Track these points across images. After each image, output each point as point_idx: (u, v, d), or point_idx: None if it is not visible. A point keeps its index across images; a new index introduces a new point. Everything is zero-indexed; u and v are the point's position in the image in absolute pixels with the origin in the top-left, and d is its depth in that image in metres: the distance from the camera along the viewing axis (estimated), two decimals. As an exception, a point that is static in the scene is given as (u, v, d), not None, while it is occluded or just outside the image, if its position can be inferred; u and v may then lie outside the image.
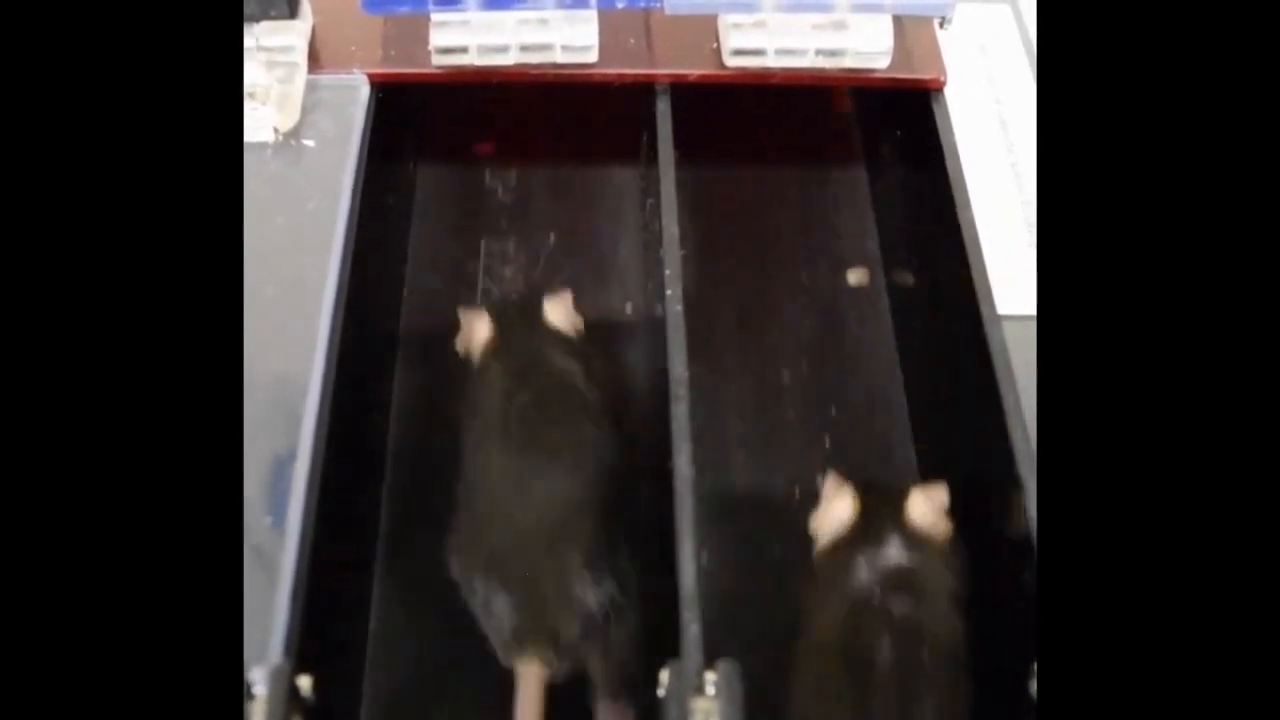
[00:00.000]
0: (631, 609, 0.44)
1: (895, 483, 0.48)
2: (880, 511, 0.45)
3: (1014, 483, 0.42)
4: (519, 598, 0.43)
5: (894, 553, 0.44)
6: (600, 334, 0.56)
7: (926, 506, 0.45)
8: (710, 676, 0.36)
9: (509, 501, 0.45)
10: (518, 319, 0.51)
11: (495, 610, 0.43)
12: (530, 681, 0.42)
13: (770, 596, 0.47)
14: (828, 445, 0.54)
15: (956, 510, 0.47)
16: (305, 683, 0.37)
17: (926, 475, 0.54)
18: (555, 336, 0.51)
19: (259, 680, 0.36)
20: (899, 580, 0.43)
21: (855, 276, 0.48)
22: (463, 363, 0.52)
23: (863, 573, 0.44)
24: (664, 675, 0.37)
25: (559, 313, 0.52)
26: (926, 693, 0.41)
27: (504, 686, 0.46)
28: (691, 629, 0.38)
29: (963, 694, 0.42)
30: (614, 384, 0.52)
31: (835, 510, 0.46)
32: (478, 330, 0.51)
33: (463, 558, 0.45)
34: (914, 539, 0.44)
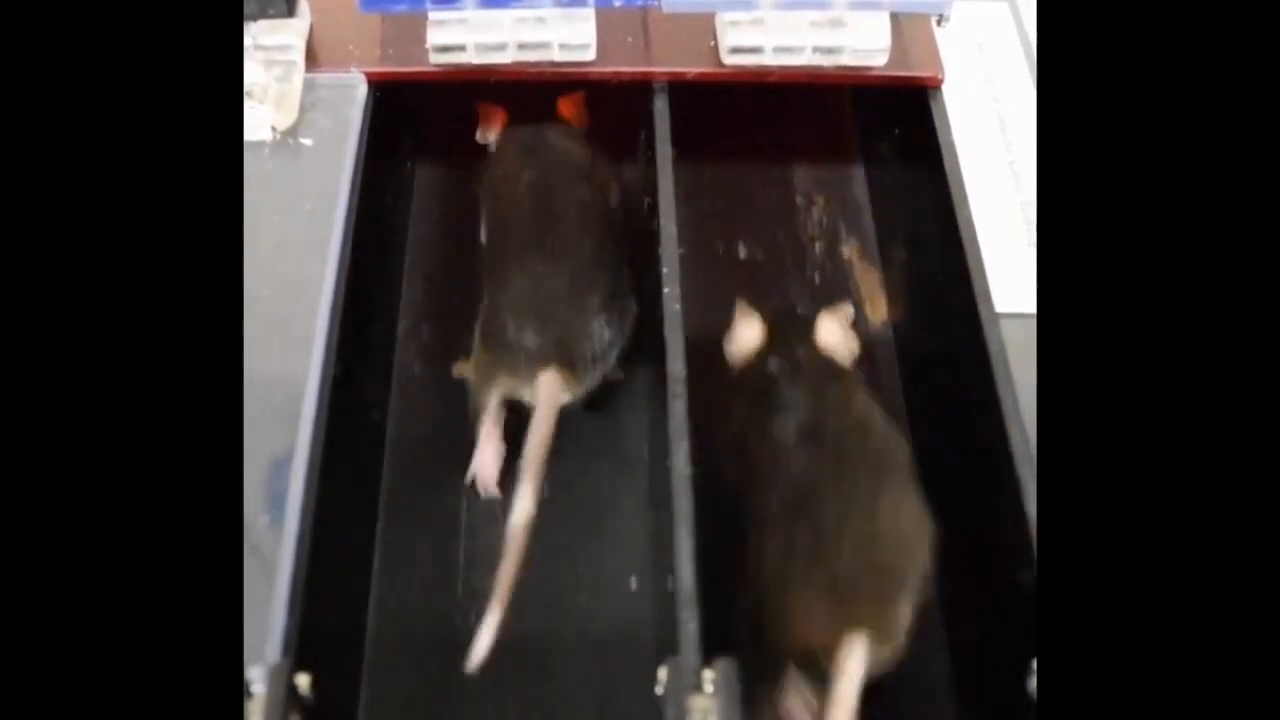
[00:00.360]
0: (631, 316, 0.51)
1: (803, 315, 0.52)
2: (789, 332, 0.50)
3: (1012, 481, 0.42)
4: (545, 325, 0.49)
5: (802, 354, 0.49)
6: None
7: (833, 324, 0.50)
8: (708, 674, 0.36)
9: (531, 258, 0.50)
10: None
11: (524, 339, 0.48)
12: (549, 397, 0.47)
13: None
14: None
15: (946, 510, 0.47)
16: (304, 681, 0.37)
17: (927, 472, 0.54)
18: (561, 127, 0.57)
19: (257, 679, 0.36)
20: (809, 366, 0.48)
21: (848, 251, 0.50)
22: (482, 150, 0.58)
23: (774, 368, 0.49)
24: (662, 673, 0.38)
25: (569, 108, 0.57)
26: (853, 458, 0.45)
27: (502, 685, 0.46)
28: (689, 627, 0.38)
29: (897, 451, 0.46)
30: (610, 163, 0.57)
31: (745, 334, 0.51)
32: (495, 118, 0.58)
33: (491, 309, 0.51)
34: (821, 356, 0.49)
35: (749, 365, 0.50)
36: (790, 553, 0.42)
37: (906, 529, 0.43)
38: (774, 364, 0.49)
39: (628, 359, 0.53)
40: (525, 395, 0.49)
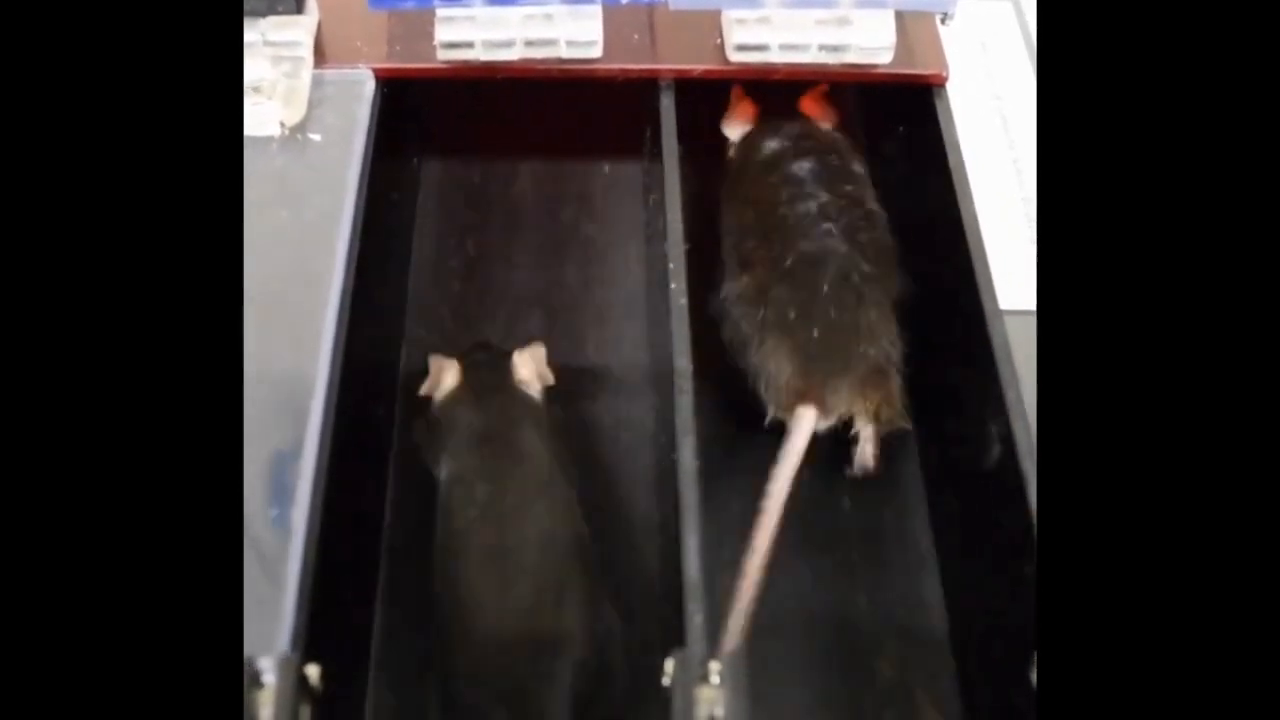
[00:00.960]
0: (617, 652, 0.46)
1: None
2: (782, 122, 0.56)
3: (1017, 478, 0.42)
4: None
5: (795, 127, 0.56)
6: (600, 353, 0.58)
7: (813, 100, 0.58)
8: (715, 666, 0.37)
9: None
10: (486, 372, 0.52)
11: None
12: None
13: (775, 585, 0.47)
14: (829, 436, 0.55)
15: (953, 508, 0.47)
16: (313, 672, 0.37)
17: (928, 469, 0.54)
18: (522, 400, 0.51)
19: (268, 670, 0.36)
20: (803, 139, 0.55)
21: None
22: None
23: (766, 141, 0.56)
24: (669, 665, 0.38)
25: (528, 368, 0.52)
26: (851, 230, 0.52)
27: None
28: (696, 619, 0.38)
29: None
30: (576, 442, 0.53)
31: (738, 113, 0.58)
32: (446, 378, 0.52)
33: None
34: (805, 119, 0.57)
35: (741, 139, 0.57)
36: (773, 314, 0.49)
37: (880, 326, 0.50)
38: (767, 137, 0.56)
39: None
40: None
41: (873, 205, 0.54)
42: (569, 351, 0.57)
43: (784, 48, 0.53)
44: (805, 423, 0.48)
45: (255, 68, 0.52)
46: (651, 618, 0.48)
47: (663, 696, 0.38)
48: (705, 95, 0.55)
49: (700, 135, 0.55)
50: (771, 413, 0.50)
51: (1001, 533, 0.45)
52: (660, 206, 0.51)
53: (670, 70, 0.54)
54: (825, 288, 0.50)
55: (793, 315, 0.49)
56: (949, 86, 0.55)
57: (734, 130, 0.58)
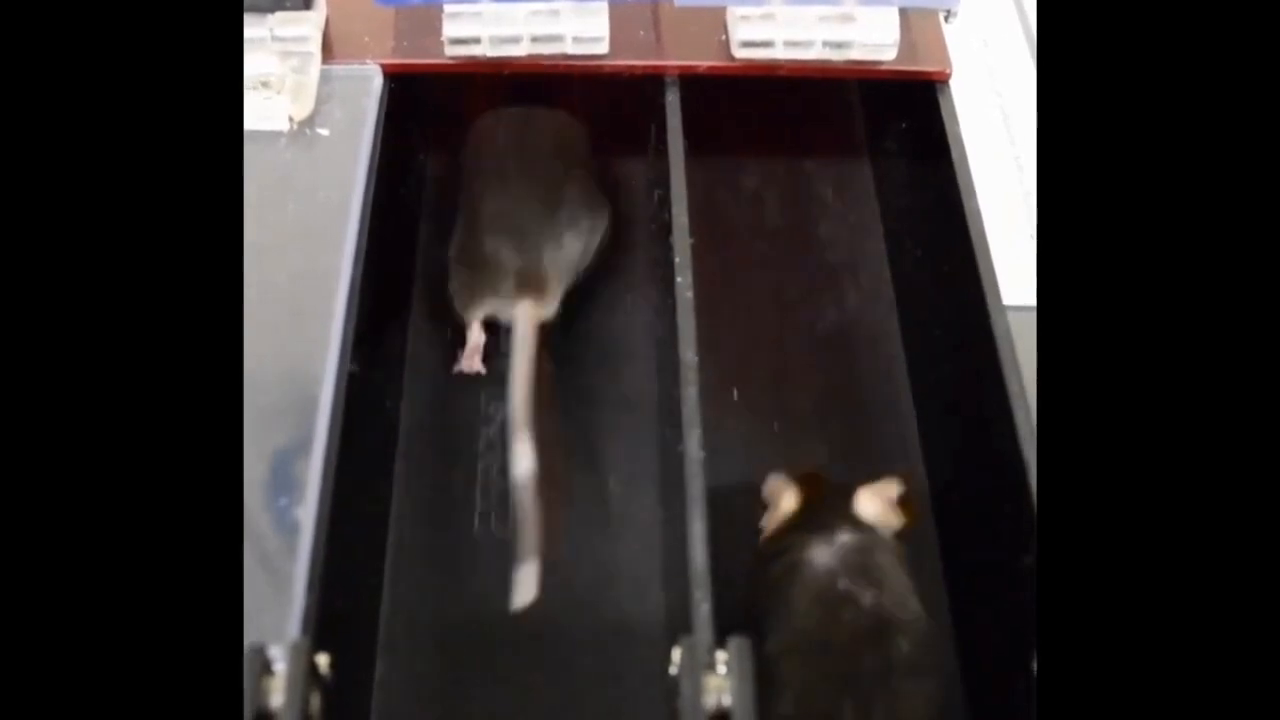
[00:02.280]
0: (607, 229, 0.56)
1: (843, 481, 0.49)
2: (827, 503, 0.48)
3: (1020, 474, 0.43)
4: (520, 248, 0.52)
5: (843, 537, 0.46)
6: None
7: (875, 501, 0.48)
8: (721, 655, 0.37)
9: (507, 176, 0.55)
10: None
11: (502, 260, 0.52)
12: (526, 320, 0.51)
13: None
14: (839, 426, 0.55)
15: (954, 503, 0.47)
16: (323, 660, 0.38)
17: (931, 466, 0.55)
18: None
19: (279, 657, 0.36)
20: (854, 560, 0.45)
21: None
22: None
23: (817, 554, 0.46)
24: (675, 653, 0.38)
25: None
26: (902, 675, 0.43)
27: (514, 665, 0.46)
28: (702, 608, 0.38)
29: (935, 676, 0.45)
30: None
31: (782, 508, 0.49)
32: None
33: (468, 227, 0.54)
34: (860, 527, 0.47)
35: (780, 532, 0.48)
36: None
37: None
38: (812, 546, 0.46)
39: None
40: (504, 315, 0.53)
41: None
42: (574, 346, 0.57)
43: (788, 44, 0.54)
44: None
45: (263, 63, 0.52)
46: (657, 608, 0.49)
47: (670, 685, 0.38)
48: (710, 91, 0.55)
49: (706, 131, 0.56)
50: None
51: (1003, 532, 0.45)
52: (666, 201, 0.51)
53: (676, 66, 0.55)
54: None
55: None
56: (951, 83, 0.55)
57: (773, 522, 0.50)
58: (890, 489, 0.48)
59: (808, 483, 0.49)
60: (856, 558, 0.45)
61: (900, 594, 0.45)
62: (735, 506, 0.49)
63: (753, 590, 0.47)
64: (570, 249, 0.54)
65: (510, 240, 0.53)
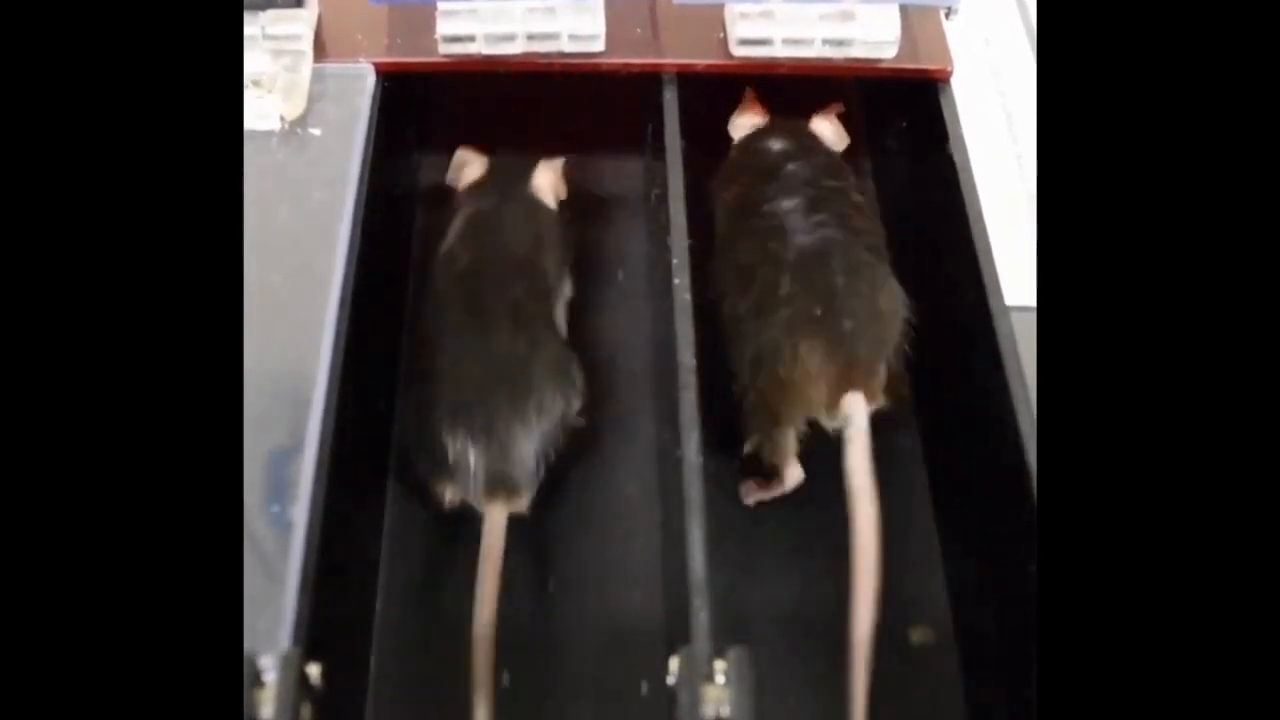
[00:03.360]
0: (580, 412, 0.50)
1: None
2: (785, 121, 0.57)
3: (1023, 475, 0.42)
4: (485, 448, 0.47)
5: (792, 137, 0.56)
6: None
7: (826, 121, 0.57)
8: (720, 665, 0.36)
9: (467, 357, 0.49)
10: (506, 170, 0.57)
11: (465, 462, 0.47)
12: (495, 520, 0.46)
13: (779, 583, 0.47)
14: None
15: (955, 503, 0.47)
16: (314, 670, 0.37)
17: (933, 464, 0.54)
18: (533, 202, 0.56)
19: (269, 667, 0.36)
20: (800, 144, 0.55)
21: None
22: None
23: (770, 144, 0.55)
24: (673, 663, 0.37)
25: (547, 177, 0.57)
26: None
27: (512, 674, 0.46)
28: (700, 616, 0.38)
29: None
30: (575, 254, 0.57)
31: (746, 117, 0.57)
32: (470, 168, 0.57)
33: (428, 418, 0.48)
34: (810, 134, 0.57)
35: (750, 140, 0.57)
36: (798, 316, 0.48)
37: (895, 307, 0.50)
38: (779, 143, 0.55)
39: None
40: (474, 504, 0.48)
41: (858, 197, 0.54)
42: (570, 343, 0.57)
43: (787, 42, 0.53)
44: (861, 411, 0.47)
45: (255, 62, 0.51)
46: (653, 616, 0.48)
47: (668, 695, 0.38)
48: (708, 90, 0.55)
49: (703, 130, 0.55)
50: (816, 413, 0.48)
51: (1006, 531, 0.44)
52: (663, 201, 0.50)
53: (673, 64, 0.54)
54: (840, 280, 0.49)
55: (818, 312, 0.48)
56: (953, 81, 0.55)
57: (739, 129, 0.58)
58: (834, 108, 0.58)
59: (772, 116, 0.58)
60: (800, 146, 0.55)
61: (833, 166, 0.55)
62: (734, 512, 0.48)
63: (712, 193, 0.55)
64: (543, 436, 0.48)
65: (476, 439, 0.47)
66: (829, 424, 0.48)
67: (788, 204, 0.52)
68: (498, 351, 0.49)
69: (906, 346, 0.50)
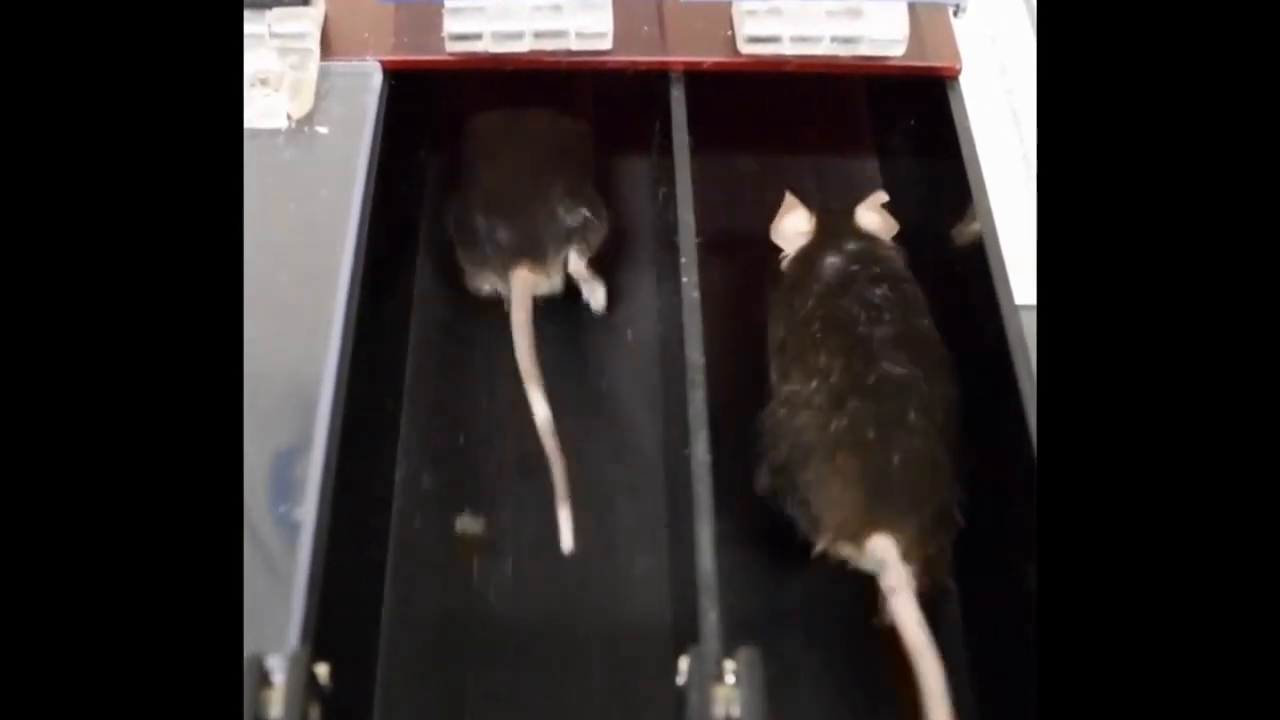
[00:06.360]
0: (601, 223, 0.55)
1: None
2: (833, 221, 0.54)
3: (1030, 475, 0.42)
4: (514, 223, 0.53)
5: (851, 242, 0.53)
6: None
7: (872, 212, 0.54)
8: (730, 664, 0.36)
9: (502, 156, 0.56)
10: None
11: (496, 237, 0.53)
12: (521, 288, 0.52)
13: (790, 585, 0.47)
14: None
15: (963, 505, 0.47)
16: (323, 670, 0.37)
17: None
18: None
19: (277, 668, 0.36)
20: (863, 256, 0.52)
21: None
22: None
23: (829, 258, 0.52)
24: (683, 663, 0.37)
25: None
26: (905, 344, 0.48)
27: (518, 676, 0.46)
28: (710, 615, 0.38)
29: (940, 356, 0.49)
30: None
31: (790, 220, 0.55)
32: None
33: (464, 203, 0.55)
34: (866, 235, 0.54)
35: (799, 252, 0.54)
36: (849, 431, 0.45)
37: (953, 470, 0.46)
38: (830, 254, 0.52)
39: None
40: (500, 289, 0.53)
41: (934, 334, 0.50)
42: (579, 347, 0.57)
43: (795, 40, 0.53)
44: (893, 559, 0.43)
45: (262, 60, 0.51)
46: (662, 616, 0.48)
47: (677, 695, 0.38)
48: (716, 88, 0.54)
49: (711, 128, 0.55)
50: (825, 540, 0.45)
51: (1011, 533, 0.44)
52: (671, 200, 0.50)
53: (681, 62, 0.54)
54: (911, 415, 0.45)
55: (871, 434, 0.45)
56: (961, 79, 0.54)
57: (788, 241, 0.55)
58: (878, 199, 0.55)
59: (816, 210, 0.55)
60: (864, 252, 0.52)
61: (907, 279, 0.51)
62: (743, 511, 0.48)
63: (772, 315, 0.52)
64: (564, 221, 0.53)
65: (504, 213, 0.53)
66: (857, 562, 0.45)
67: (878, 333, 0.48)
68: (531, 160, 0.55)
69: (955, 520, 0.45)
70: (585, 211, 0.54)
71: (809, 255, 0.53)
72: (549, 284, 0.54)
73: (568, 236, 0.53)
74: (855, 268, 0.51)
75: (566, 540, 0.45)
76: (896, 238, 0.55)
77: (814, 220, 0.54)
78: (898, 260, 0.53)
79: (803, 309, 0.50)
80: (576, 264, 0.54)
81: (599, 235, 0.55)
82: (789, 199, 0.55)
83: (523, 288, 0.52)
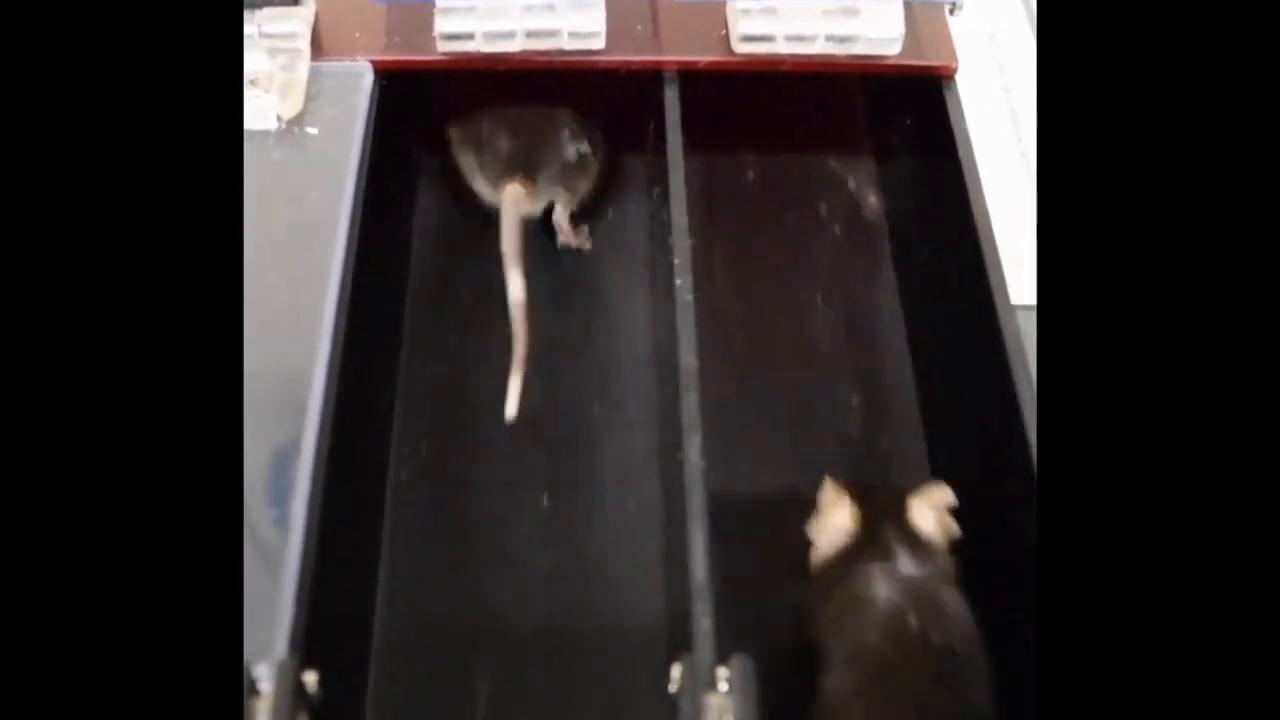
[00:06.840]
0: (596, 164, 0.58)
1: (892, 488, 0.47)
2: (883, 520, 0.45)
3: (1027, 475, 0.41)
4: (515, 139, 0.57)
5: (907, 566, 0.44)
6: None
7: (930, 512, 0.46)
8: (723, 672, 0.36)
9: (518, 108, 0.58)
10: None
11: (497, 145, 0.57)
12: (512, 201, 0.55)
13: (783, 590, 0.46)
14: (845, 430, 0.54)
15: (962, 509, 0.46)
16: (311, 679, 0.36)
17: (937, 464, 0.53)
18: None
19: (264, 676, 0.35)
20: (923, 601, 0.43)
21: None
22: None
23: (881, 587, 0.44)
24: (675, 670, 0.37)
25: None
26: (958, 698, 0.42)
27: (511, 682, 0.45)
28: (703, 622, 0.37)
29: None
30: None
31: (835, 519, 0.46)
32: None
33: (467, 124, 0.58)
34: (921, 548, 0.45)
35: (839, 552, 0.46)
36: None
37: None
38: (880, 576, 0.44)
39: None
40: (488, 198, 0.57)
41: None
42: (574, 348, 0.56)
43: (790, 38, 0.53)
44: None
45: (252, 60, 0.51)
46: (656, 623, 0.47)
47: (670, 703, 0.37)
48: (710, 87, 0.54)
49: (706, 128, 0.54)
50: None
51: (1014, 535, 0.44)
52: (664, 200, 0.50)
53: (675, 62, 0.53)
54: None
55: None
56: (958, 78, 0.54)
57: (828, 537, 0.47)
58: (941, 496, 0.46)
59: (861, 498, 0.46)
60: (922, 591, 0.44)
61: (965, 632, 0.43)
62: (738, 517, 0.48)
63: (809, 618, 0.45)
64: (565, 149, 0.57)
65: (512, 128, 0.57)
66: None
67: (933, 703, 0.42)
68: (538, 113, 0.58)
69: None
70: (584, 147, 0.57)
71: (851, 560, 0.45)
72: (530, 206, 0.57)
73: (562, 169, 0.57)
74: (914, 621, 0.43)
75: (511, 407, 0.49)
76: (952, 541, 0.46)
77: (859, 517, 0.46)
78: (960, 604, 0.44)
79: (854, 644, 0.43)
80: (560, 214, 0.58)
81: (586, 184, 0.58)
82: (829, 487, 0.47)
83: (512, 202, 0.55)
